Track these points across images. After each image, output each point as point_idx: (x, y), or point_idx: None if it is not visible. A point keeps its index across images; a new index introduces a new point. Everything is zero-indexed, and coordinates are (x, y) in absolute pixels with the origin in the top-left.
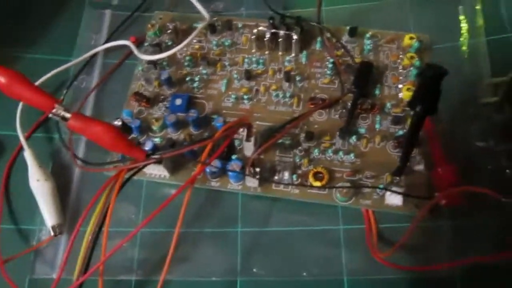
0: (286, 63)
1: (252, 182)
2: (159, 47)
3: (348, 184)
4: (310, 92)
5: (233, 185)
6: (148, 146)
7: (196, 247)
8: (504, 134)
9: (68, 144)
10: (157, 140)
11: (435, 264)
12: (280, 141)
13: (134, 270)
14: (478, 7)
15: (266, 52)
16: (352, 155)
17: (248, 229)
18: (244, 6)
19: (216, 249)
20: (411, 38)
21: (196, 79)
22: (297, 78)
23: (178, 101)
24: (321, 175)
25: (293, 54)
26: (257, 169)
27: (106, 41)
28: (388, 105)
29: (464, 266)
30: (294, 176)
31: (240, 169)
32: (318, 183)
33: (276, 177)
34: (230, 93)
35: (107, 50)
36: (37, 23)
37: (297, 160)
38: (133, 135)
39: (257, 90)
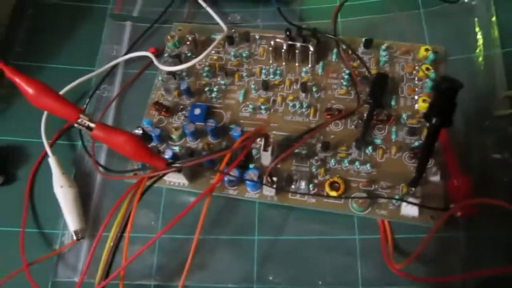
0: (302, 74)
1: (269, 191)
2: (178, 58)
3: (364, 195)
4: (327, 102)
5: (250, 194)
6: (168, 155)
7: (213, 254)
8: None
9: (91, 152)
10: (176, 148)
11: (449, 275)
12: (296, 151)
13: (153, 275)
14: (493, 19)
15: (283, 63)
16: (368, 165)
17: (265, 237)
18: (260, 17)
19: (233, 256)
20: (426, 49)
21: (215, 89)
22: (314, 88)
23: (197, 111)
24: (337, 185)
25: (309, 65)
26: (274, 179)
27: (127, 52)
28: (404, 116)
29: (479, 278)
30: (311, 186)
31: (257, 178)
32: (334, 193)
33: (292, 187)
34: (247, 103)
35: (127, 61)
36: (61, 34)
37: (314, 170)
38: (153, 144)
39: (274, 101)
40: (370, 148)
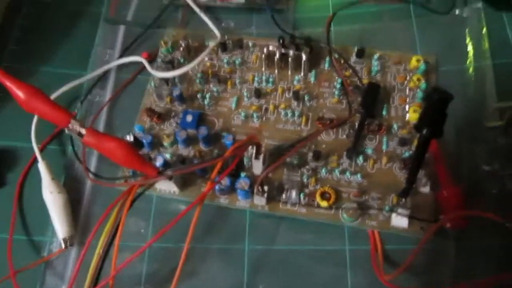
0: (295, 82)
1: (260, 200)
2: (171, 64)
3: (354, 205)
4: (318, 111)
5: (241, 203)
6: (159, 162)
7: (203, 262)
8: (509, 158)
9: (81, 157)
10: (167, 155)
11: (440, 286)
12: (288, 160)
13: (142, 283)
14: (484, 30)
15: (276, 71)
16: (359, 175)
17: (255, 247)
18: (254, 25)
19: (223, 266)
20: (417, 60)
21: (207, 96)
22: (306, 97)
23: (189, 118)
24: (328, 195)
25: (302, 74)
26: (265, 188)
27: (120, 57)
28: (395, 126)
29: None
30: (301, 195)
31: (249, 187)
32: (325, 203)
33: (283, 196)
34: (240, 110)
35: (120, 65)
36: (53, 37)
37: (305, 179)
38: (144, 150)
39: (266, 109)
40: (361, 158)
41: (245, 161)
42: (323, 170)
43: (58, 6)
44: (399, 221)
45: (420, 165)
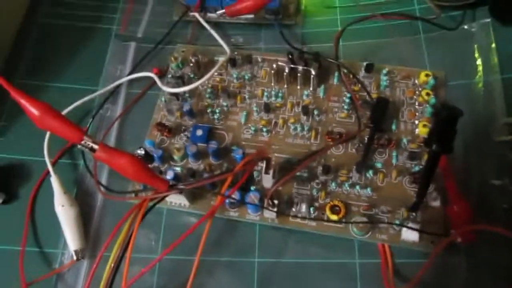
0: (304, 97)
1: (269, 214)
2: (181, 79)
3: (364, 219)
4: (328, 125)
5: (251, 216)
6: (169, 175)
7: (213, 275)
8: None
9: (93, 171)
10: (178, 169)
11: None
12: (297, 174)
13: None
14: (493, 45)
15: (285, 86)
16: (368, 189)
17: (265, 260)
18: (262, 40)
19: (232, 278)
20: (426, 75)
21: (217, 110)
22: (315, 112)
23: (199, 132)
24: (337, 208)
25: (311, 88)
26: (275, 201)
27: (130, 72)
28: (405, 140)
29: None
30: (311, 209)
31: (259, 200)
32: (335, 217)
33: (293, 209)
34: (249, 125)
35: (131, 81)
36: (65, 54)
37: (314, 193)
38: (155, 164)
39: (275, 123)
40: (370, 172)
41: (255, 174)
42: (333, 184)
43: (70, 23)
44: (410, 235)
45: (430, 180)
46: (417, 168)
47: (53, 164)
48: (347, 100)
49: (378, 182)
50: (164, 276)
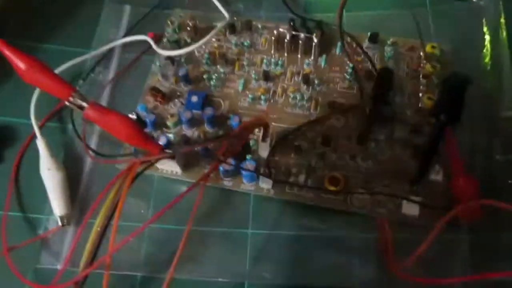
0: (305, 66)
1: (265, 183)
2: (177, 44)
3: (364, 191)
4: (328, 96)
5: (246, 186)
6: (162, 141)
7: (205, 246)
8: None
9: (82, 135)
10: (171, 136)
11: (450, 277)
12: (296, 143)
13: (141, 266)
14: (502, 20)
15: (285, 54)
16: (369, 161)
17: (259, 232)
18: (264, 8)
19: (225, 250)
20: (433, 47)
21: (214, 77)
22: (316, 81)
23: (194, 98)
24: (337, 180)
25: (312, 58)
26: (272, 170)
27: (125, 36)
28: (408, 113)
29: (480, 281)
30: (309, 180)
31: (254, 169)
32: (333, 188)
33: (290, 180)
34: (247, 92)
35: (125, 45)
36: (57, 14)
37: (313, 164)
38: (147, 130)
39: (274, 92)
40: (372, 144)
41: (252, 143)
42: (333, 155)
43: None
44: (410, 208)
45: (434, 152)
46: (420, 142)
47: (41, 127)
48: (350, 70)
49: (379, 155)
50: (154, 245)
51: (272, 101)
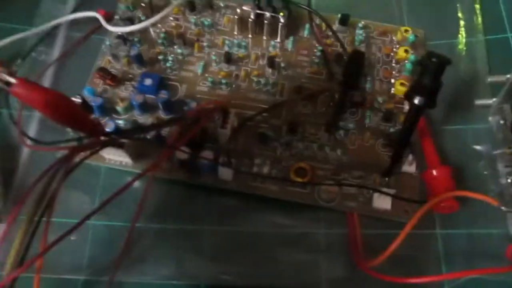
0: (270, 49)
1: (225, 175)
2: (131, 22)
3: (332, 183)
4: (295, 81)
5: (203, 178)
6: (109, 128)
7: (156, 245)
8: (501, 138)
9: (17, 121)
10: (121, 122)
11: (423, 275)
12: (260, 131)
13: (83, 268)
14: (477, 5)
15: (249, 35)
16: (338, 151)
17: (218, 228)
18: None
19: (180, 249)
20: (406, 31)
21: (170, 58)
22: (282, 65)
23: (148, 81)
24: (303, 171)
25: (278, 39)
26: (232, 160)
27: (72, 12)
28: (380, 99)
29: (456, 279)
30: (274, 171)
31: (213, 159)
32: (300, 179)
33: (253, 170)
34: (207, 76)
35: (71, 22)
36: None
37: (278, 154)
38: (94, 116)
39: (237, 75)
40: (341, 132)
41: (211, 132)
42: (299, 145)
43: None
44: (381, 202)
45: (408, 140)
46: (392, 130)
47: None
48: (318, 54)
49: (349, 144)
50: (99, 245)
51: (234, 85)
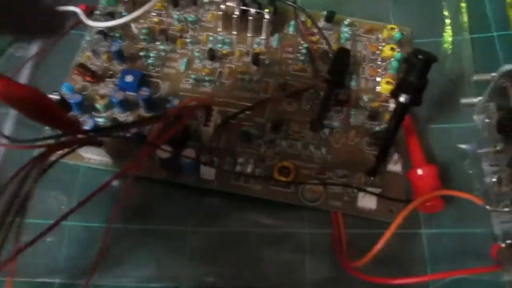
0: (255, 46)
1: (208, 174)
2: (112, 17)
3: (317, 182)
4: (280, 78)
5: (185, 177)
6: (88, 125)
7: (136, 247)
8: (487, 137)
9: None
10: (100, 120)
11: (408, 276)
12: (243, 129)
13: (59, 271)
14: (463, 4)
15: (234, 32)
16: (323, 150)
17: (200, 229)
18: None
19: (160, 250)
20: (392, 28)
21: (152, 55)
22: (267, 62)
23: (129, 78)
24: (287, 170)
25: (263, 36)
26: (215, 159)
27: None
28: (365, 98)
29: (442, 279)
30: (257, 170)
31: (196, 158)
32: (283, 178)
33: (236, 170)
34: (190, 73)
35: None
36: None
37: (262, 152)
38: (72, 113)
39: (220, 73)
40: (326, 131)
41: (193, 129)
42: (283, 143)
43: None
44: (366, 201)
45: (393, 138)
46: (377, 129)
47: None
48: (304, 51)
49: (334, 143)
50: (76, 246)
51: (217, 83)
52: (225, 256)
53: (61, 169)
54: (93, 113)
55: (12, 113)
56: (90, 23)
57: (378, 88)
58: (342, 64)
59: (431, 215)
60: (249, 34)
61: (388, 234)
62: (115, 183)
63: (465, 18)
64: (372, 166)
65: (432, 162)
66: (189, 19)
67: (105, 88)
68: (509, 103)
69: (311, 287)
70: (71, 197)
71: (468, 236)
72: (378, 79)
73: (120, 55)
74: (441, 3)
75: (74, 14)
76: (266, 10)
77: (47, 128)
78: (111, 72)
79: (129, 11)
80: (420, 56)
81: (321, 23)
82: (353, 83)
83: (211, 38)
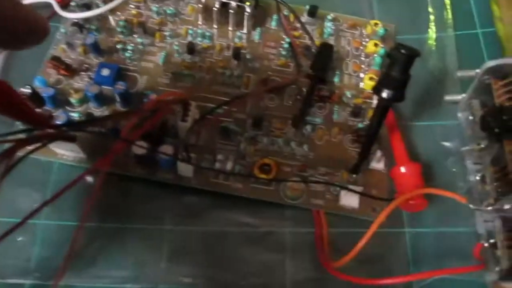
0: (236, 40)
1: (185, 171)
2: (87, 8)
3: (298, 180)
4: (262, 73)
5: (162, 174)
6: (60, 120)
7: (111, 246)
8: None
9: None
10: (75, 115)
11: (392, 276)
12: (223, 125)
13: (31, 271)
14: (447, 0)
15: (214, 26)
16: (305, 147)
17: (178, 228)
18: None
19: (137, 250)
20: (376, 24)
21: (129, 48)
22: (248, 57)
23: (105, 72)
24: (268, 167)
25: (244, 30)
26: (192, 155)
27: None
28: (348, 94)
29: (425, 279)
30: (237, 167)
31: (173, 154)
32: (264, 176)
33: (215, 167)
34: (168, 66)
35: None
36: None
37: (242, 149)
38: (45, 108)
39: (200, 67)
40: (308, 128)
41: (171, 125)
42: (264, 139)
43: None
44: (349, 200)
45: (376, 135)
46: (360, 126)
47: None
48: (286, 46)
49: (316, 140)
50: (49, 246)
51: (197, 77)
52: (204, 256)
53: (32, 165)
54: (67, 107)
55: None
56: (65, 14)
57: (361, 84)
58: (324, 60)
59: (414, 214)
60: (230, 28)
61: (370, 232)
62: (90, 179)
63: (449, 14)
64: (355, 163)
65: (415, 160)
66: (169, 11)
67: (80, 82)
68: (493, 100)
69: (292, 287)
70: (44, 194)
71: (452, 235)
72: (361, 75)
73: (96, 48)
74: None
75: (49, 5)
76: (247, 4)
77: (18, 123)
78: (86, 65)
79: (106, 2)
80: (403, 51)
81: (304, 17)
82: (336, 79)
83: (190, 32)
